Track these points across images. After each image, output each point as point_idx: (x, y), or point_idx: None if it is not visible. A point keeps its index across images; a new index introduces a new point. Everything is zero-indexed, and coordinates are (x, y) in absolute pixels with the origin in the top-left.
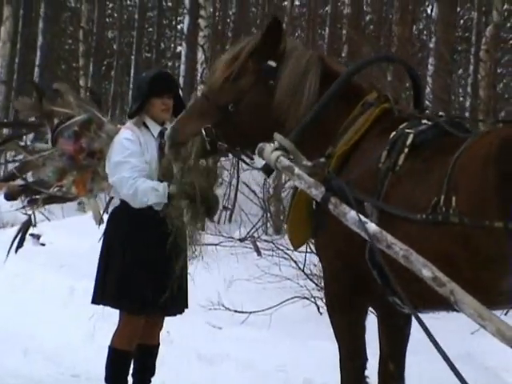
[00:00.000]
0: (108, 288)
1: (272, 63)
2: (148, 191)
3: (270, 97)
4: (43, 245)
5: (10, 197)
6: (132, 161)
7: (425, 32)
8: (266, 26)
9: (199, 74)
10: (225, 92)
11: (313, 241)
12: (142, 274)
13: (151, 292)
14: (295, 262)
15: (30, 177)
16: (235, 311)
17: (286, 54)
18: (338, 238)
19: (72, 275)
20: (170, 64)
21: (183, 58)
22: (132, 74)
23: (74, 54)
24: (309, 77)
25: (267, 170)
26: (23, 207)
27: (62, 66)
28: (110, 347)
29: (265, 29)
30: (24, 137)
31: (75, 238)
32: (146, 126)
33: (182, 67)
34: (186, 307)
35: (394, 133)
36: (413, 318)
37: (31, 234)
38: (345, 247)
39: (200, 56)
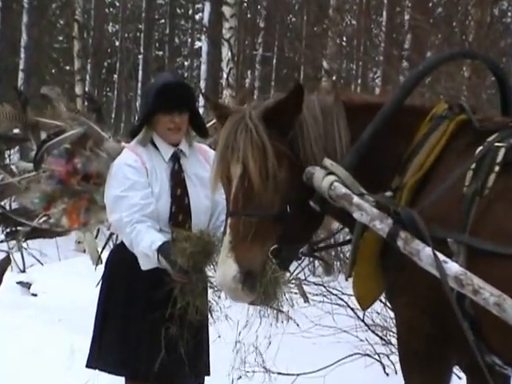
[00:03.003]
0: (105, 349)
1: (290, 135)
2: (138, 253)
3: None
4: (35, 295)
5: None
6: (131, 195)
7: (509, 14)
8: (287, 92)
9: (224, 76)
10: (273, 197)
11: None
12: (147, 335)
13: (157, 356)
14: (353, 309)
15: (9, 203)
16: (278, 373)
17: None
18: (416, 280)
19: (72, 331)
20: (187, 63)
21: (204, 56)
22: (140, 78)
23: (67, 54)
24: (333, 122)
25: (318, 200)
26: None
27: (53, 70)
28: None
29: (285, 96)
30: (6, 154)
31: (74, 284)
32: (155, 146)
33: (203, 67)
34: (207, 374)
35: (479, 148)
36: None
37: (19, 282)
38: (425, 292)
39: (225, 53)
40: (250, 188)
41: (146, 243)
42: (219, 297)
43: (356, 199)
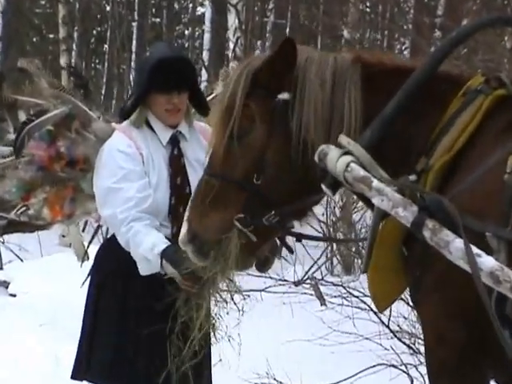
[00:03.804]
0: (95, 359)
1: (284, 95)
2: (137, 257)
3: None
4: (13, 295)
5: None
6: (126, 188)
7: None
8: (275, 49)
9: (231, 46)
10: (237, 161)
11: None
12: (145, 348)
13: (156, 373)
14: (376, 313)
15: None
16: None
17: (300, 73)
18: (445, 278)
19: (56, 338)
20: (188, 32)
21: (207, 24)
22: (134, 49)
23: (50, 20)
24: (344, 93)
25: (332, 183)
26: None
27: (34, 39)
28: None
29: (271, 54)
30: None
31: (59, 284)
32: (151, 128)
33: (206, 37)
34: None
35: None
36: None
37: None
38: (456, 292)
39: (232, 20)
40: (214, 148)
41: (147, 246)
42: (227, 313)
43: (376, 183)
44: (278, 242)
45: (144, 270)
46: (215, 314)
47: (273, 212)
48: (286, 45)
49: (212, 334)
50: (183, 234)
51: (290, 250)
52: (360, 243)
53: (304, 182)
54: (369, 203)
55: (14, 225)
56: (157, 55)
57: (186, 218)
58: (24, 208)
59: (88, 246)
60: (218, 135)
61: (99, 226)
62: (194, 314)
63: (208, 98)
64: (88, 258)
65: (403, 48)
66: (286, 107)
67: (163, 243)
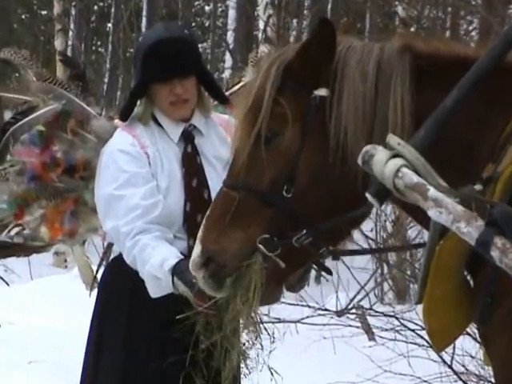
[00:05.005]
0: None
1: (322, 91)
2: (145, 276)
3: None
4: None
5: None
6: (129, 194)
7: None
8: (310, 33)
9: (261, 26)
10: (263, 169)
11: None
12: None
13: None
14: (435, 349)
15: None
16: None
17: (339, 65)
18: None
19: (48, 378)
20: (209, 8)
21: None
22: (144, 28)
23: None
24: (389, 88)
25: (379, 191)
26: None
27: (23, 16)
28: None
29: (305, 40)
30: None
31: (52, 312)
32: (158, 124)
33: (232, 14)
34: None
35: None
36: None
37: None
38: None
39: None
40: (236, 153)
41: (156, 262)
42: (258, 337)
43: (433, 191)
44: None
45: (154, 291)
46: (246, 340)
47: (304, 231)
48: (322, 28)
49: (243, 363)
50: (195, 256)
51: (328, 272)
52: (417, 265)
53: (343, 194)
54: (420, 218)
55: (6, 249)
56: (149, 40)
57: (199, 237)
58: (18, 228)
59: (97, 271)
60: (241, 138)
61: (109, 246)
62: (217, 341)
63: (234, 88)
64: (97, 284)
65: (470, 28)
66: (324, 105)
67: (175, 257)
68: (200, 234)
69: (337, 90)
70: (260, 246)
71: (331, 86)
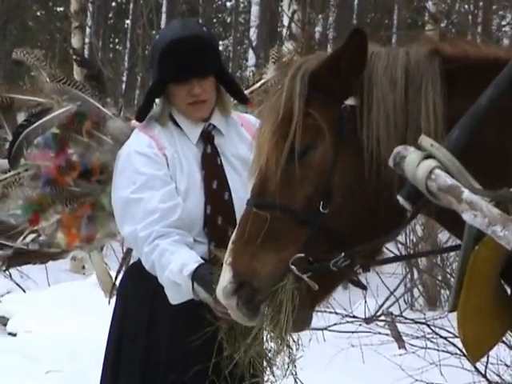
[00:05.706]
0: None
1: (351, 101)
2: (165, 282)
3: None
4: (13, 335)
5: None
6: (147, 198)
7: None
8: (342, 43)
9: (285, 22)
10: (296, 185)
11: None
12: None
13: None
14: (469, 359)
15: None
16: None
17: (365, 72)
18: None
19: None
20: (230, 4)
21: None
22: (163, 25)
23: None
24: (420, 93)
25: (411, 193)
26: None
27: (38, 13)
28: None
29: (338, 48)
30: None
31: (69, 320)
32: (176, 124)
33: (255, 9)
34: None
35: None
36: None
37: None
38: None
39: None
40: (266, 170)
41: (175, 267)
42: (287, 345)
43: (467, 194)
44: None
45: (174, 297)
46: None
47: (343, 254)
48: (356, 38)
49: (269, 371)
50: (226, 283)
51: (363, 287)
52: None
53: (380, 211)
54: (450, 223)
55: (21, 255)
56: (166, 38)
57: (228, 262)
58: (33, 234)
59: (116, 277)
60: (270, 153)
61: (128, 251)
62: (241, 346)
63: (256, 85)
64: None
65: (503, 24)
66: (354, 114)
67: (194, 262)
68: (229, 258)
69: (365, 99)
70: (292, 267)
71: (359, 95)
